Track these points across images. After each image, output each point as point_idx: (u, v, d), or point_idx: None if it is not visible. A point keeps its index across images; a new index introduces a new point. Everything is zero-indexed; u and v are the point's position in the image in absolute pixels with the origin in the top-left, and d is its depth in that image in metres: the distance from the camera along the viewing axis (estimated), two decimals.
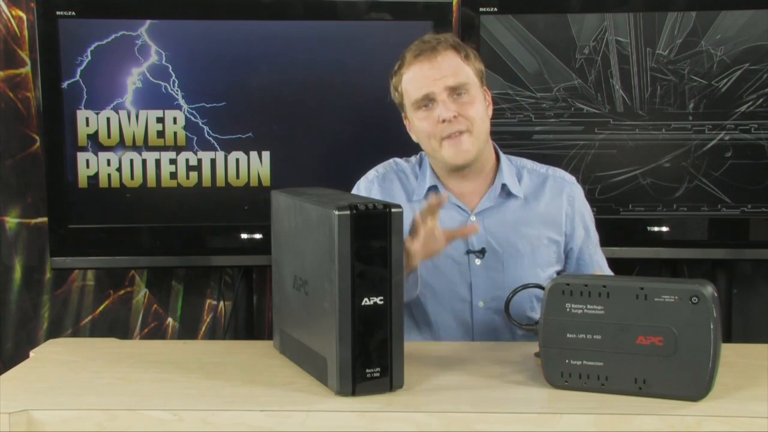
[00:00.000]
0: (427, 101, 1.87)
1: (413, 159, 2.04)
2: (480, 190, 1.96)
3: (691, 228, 2.54)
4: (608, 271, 2.02)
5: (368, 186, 2.00)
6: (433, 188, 1.95)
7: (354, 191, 2.01)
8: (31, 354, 1.76)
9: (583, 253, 1.99)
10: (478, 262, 1.93)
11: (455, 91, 1.86)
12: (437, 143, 1.88)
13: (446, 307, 1.93)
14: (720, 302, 1.45)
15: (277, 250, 1.72)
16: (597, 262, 2.00)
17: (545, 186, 1.98)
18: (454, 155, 1.87)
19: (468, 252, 1.93)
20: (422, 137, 1.92)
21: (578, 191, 2.02)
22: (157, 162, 2.53)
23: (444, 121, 1.85)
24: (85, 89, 2.49)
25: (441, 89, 1.85)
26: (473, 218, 1.93)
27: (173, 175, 2.54)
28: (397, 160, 2.05)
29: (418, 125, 1.91)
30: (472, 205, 1.95)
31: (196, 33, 2.50)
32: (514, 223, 1.95)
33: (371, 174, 2.02)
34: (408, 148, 2.54)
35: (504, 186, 1.95)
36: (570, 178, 2.03)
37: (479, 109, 1.88)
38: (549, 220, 1.96)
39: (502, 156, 1.99)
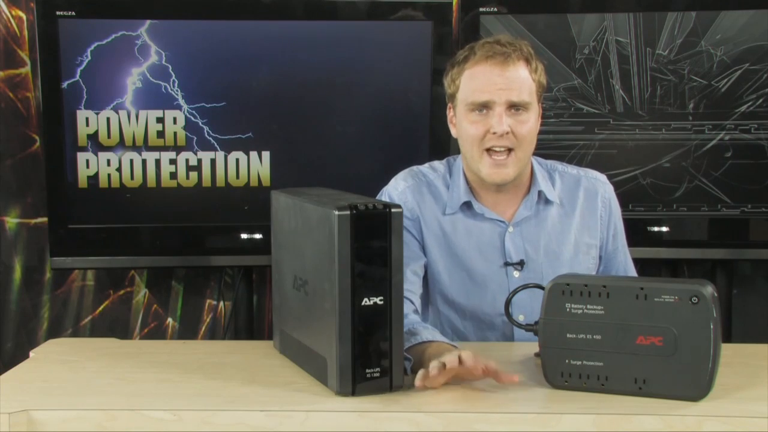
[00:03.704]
0: (483, 107, 1.80)
1: (440, 167, 1.95)
2: (515, 200, 1.90)
3: (691, 228, 2.54)
4: (634, 273, 1.99)
5: (401, 198, 1.89)
6: (467, 203, 1.89)
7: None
8: (31, 354, 1.76)
9: (613, 259, 1.96)
10: (516, 274, 1.87)
11: (515, 106, 1.79)
12: (479, 152, 1.81)
13: (485, 323, 1.88)
14: (720, 302, 1.45)
15: (277, 250, 1.72)
16: (626, 267, 1.97)
17: (579, 189, 1.93)
18: (493, 174, 1.81)
19: (506, 264, 1.88)
20: (466, 140, 1.84)
21: (611, 190, 1.97)
22: (157, 162, 2.53)
23: (495, 133, 1.78)
24: (85, 89, 2.49)
25: (502, 101, 1.78)
26: (511, 229, 1.88)
27: (173, 175, 2.54)
28: (422, 169, 1.96)
29: (466, 128, 1.83)
30: (508, 216, 1.89)
31: (196, 33, 2.51)
32: (552, 231, 1.90)
33: (400, 185, 1.92)
34: (408, 148, 2.55)
35: (540, 193, 1.90)
36: (602, 178, 1.97)
37: (532, 128, 1.81)
38: (585, 225, 1.92)
39: (533, 161, 1.92)
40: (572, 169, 1.97)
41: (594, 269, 1.94)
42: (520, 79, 1.79)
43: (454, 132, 1.90)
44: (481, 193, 1.90)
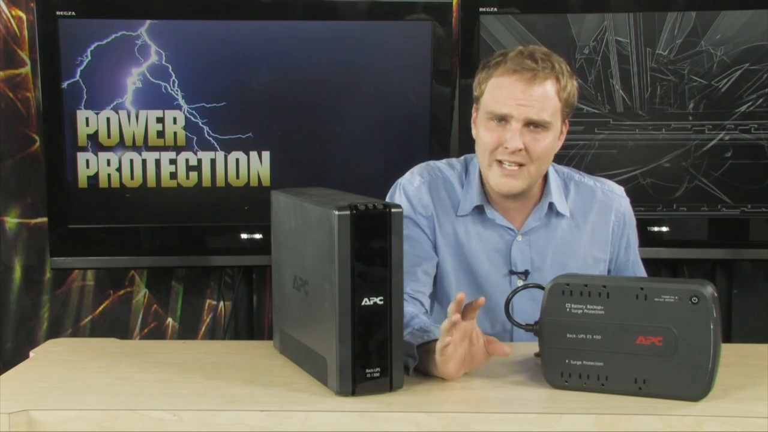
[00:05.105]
0: (501, 119, 1.77)
1: (457, 165, 1.94)
2: (526, 208, 1.88)
3: (691, 228, 2.54)
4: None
5: (417, 193, 1.89)
6: (478, 207, 1.88)
7: (398, 198, 1.90)
8: (31, 354, 1.76)
9: (623, 271, 1.95)
10: (520, 283, 1.87)
11: (533, 123, 1.76)
12: (489, 161, 1.80)
13: (485, 329, 1.81)
14: (720, 302, 1.45)
15: (277, 250, 1.72)
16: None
17: (593, 202, 1.92)
18: (500, 184, 1.80)
19: (510, 273, 1.88)
20: (480, 146, 1.83)
21: (626, 204, 1.95)
22: (157, 162, 2.53)
23: (507, 148, 1.76)
24: (85, 89, 2.49)
25: (521, 117, 1.75)
26: (519, 238, 1.88)
27: (173, 175, 2.54)
28: (439, 165, 1.94)
29: (482, 135, 1.82)
30: (518, 224, 1.88)
31: (196, 33, 2.51)
32: (561, 242, 1.89)
33: (416, 180, 1.90)
34: (408, 148, 2.55)
35: (551, 204, 1.88)
36: (619, 191, 1.96)
37: (548, 147, 1.79)
38: (596, 239, 1.90)
39: (550, 168, 1.90)
40: (588, 180, 1.95)
41: None
42: (545, 99, 1.77)
43: (474, 132, 1.88)
44: (493, 197, 1.89)
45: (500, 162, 1.79)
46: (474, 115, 1.89)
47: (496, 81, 1.80)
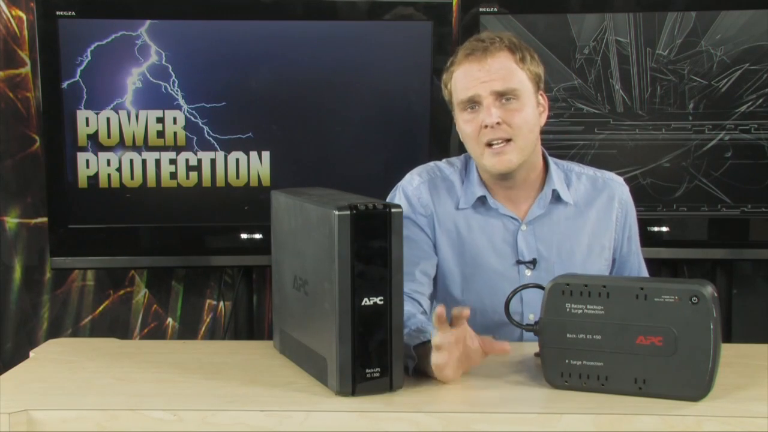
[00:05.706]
0: (473, 103, 1.79)
1: (457, 163, 1.95)
2: (529, 197, 1.89)
3: (691, 228, 2.54)
4: (645, 273, 1.99)
5: (416, 193, 1.89)
6: (481, 198, 1.88)
7: (398, 200, 1.90)
8: (31, 354, 1.76)
9: (627, 261, 1.95)
10: (528, 273, 1.86)
11: (503, 96, 1.78)
12: (479, 148, 1.81)
13: (494, 322, 1.85)
14: (720, 302, 1.45)
15: (277, 250, 1.72)
16: (639, 270, 1.97)
17: (595, 191, 1.92)
18: (496, 163, 1.80)
19: (518, 263, 1.87)
20: (466, 140, 1.85)
21: (627, 193, 1.96)
22: (157, 162, 2.53)
23: (487, 126, 1.78)
24: (85, 89, 2.50)
25: (487, 93, 1.77)
26: (524, 227, 1.87)
27: (173, 175, 2.54)
28: (439, 165, 1.95)
29: (462, 127, 1.83)
30: (521, 213, 1.88)
31: (196, 33, 2.51)
32: (566, 231, 1.89)
33: (415, 180, 1.91)
34: (408, 148, 2.55)
35: (554, 192, 1.88)
36: (619, 180, 1.96)
37: (527, 116, 1.79)
38: (601, 227, 1.91)
39: (550, 160, 1.91)
40: (589, 170, 1.96)
41: (606, 271, 1.93)
42: (503, 69, 1.79)
43: (460, 135, 1.89)
44: (494, 189, 1.89)
45: (489, 145, 1.80)
46: (455, 118, 1.90)
47: (456, 74, 1.83)
